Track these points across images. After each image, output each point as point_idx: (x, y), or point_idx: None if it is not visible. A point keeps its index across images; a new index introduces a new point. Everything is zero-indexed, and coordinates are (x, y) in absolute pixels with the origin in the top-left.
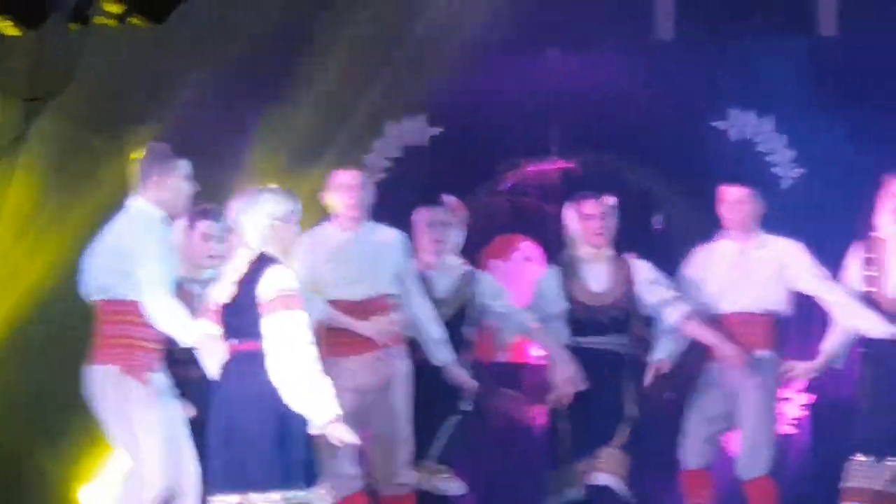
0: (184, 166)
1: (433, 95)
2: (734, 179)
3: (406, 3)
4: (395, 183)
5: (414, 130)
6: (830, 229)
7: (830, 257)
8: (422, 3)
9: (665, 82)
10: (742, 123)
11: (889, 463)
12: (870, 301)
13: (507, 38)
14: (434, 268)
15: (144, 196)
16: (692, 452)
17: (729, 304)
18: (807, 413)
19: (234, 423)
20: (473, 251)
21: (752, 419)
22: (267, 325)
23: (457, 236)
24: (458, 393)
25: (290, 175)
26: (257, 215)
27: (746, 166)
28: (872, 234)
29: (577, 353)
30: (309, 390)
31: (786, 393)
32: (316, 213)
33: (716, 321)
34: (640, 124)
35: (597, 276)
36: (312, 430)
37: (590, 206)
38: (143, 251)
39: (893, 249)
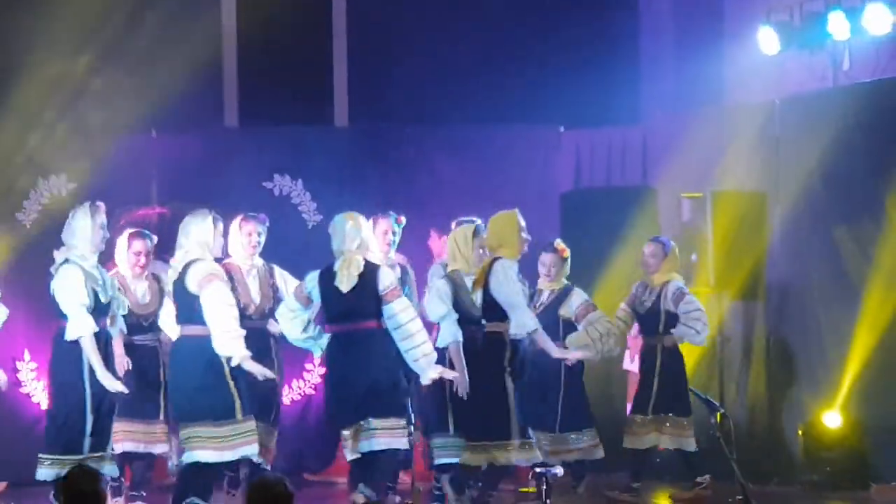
0: None
1: (75, 161)
2: (276, 224)
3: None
4: (44, 223)
5: (58, 185)
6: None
7: None
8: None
9: (231, 155)
10: (282, 184)
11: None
12: None
13: (125, 123)
14: None
15: None
16: None
17: None
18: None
19: None
20: None
21: None
22: None
23: None
24: None
25: None
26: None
27: (286, 213)
28: None
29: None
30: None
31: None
32: None
33: None
34: (216, 183)
35: (142, 291)
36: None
37: (137, 244)
38: None
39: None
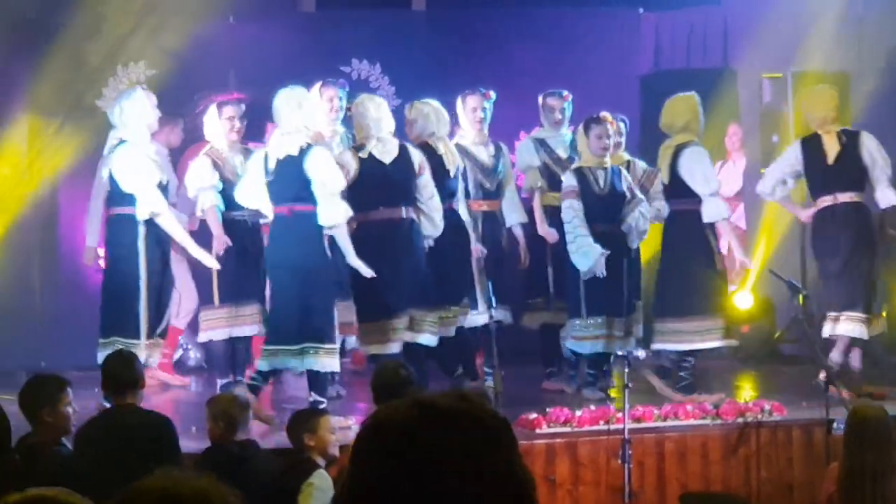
0: None
1: (153, 48)
2: None
3: None
4: None
5: (137, 72)
6: None
7: None
8: None
9: (308, 40)
10: (360, 68)
11: None
12: None
13: (203, 9)
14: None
15: None
16: None
17: None
18: None
19: None
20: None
21: None
22: None
23: None
24: None
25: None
26: None
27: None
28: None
29: None
30: None
31: None
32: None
33: None
34: (294, 68)
35: (239, 162)
36: None
37: (228, 109)
38: None
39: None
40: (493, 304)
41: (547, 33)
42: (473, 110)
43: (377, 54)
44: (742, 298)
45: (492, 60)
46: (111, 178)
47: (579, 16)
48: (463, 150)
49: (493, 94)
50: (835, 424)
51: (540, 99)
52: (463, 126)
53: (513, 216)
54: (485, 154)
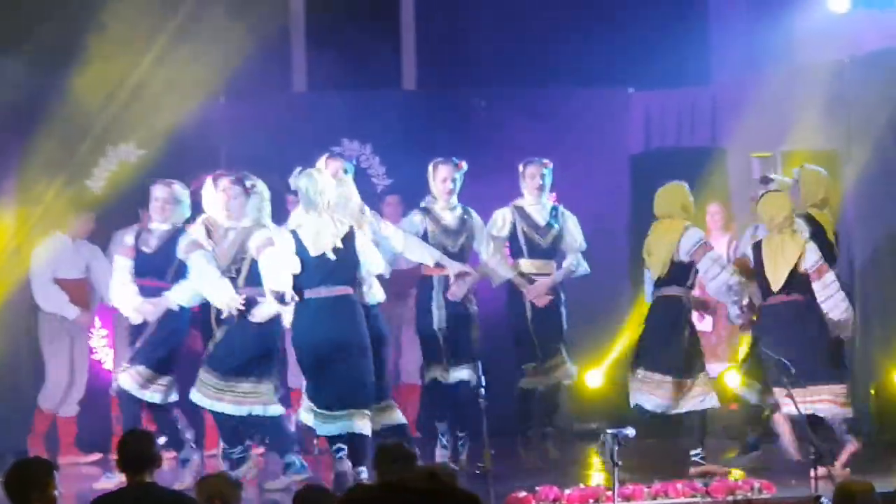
0: None
1: (143, 129)
2: None
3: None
4: (113, 191)
5: (127, 152)
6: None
7: None
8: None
9: (299, 120)
10: (351, 149)
11: None
12: None
13: (193, 89)
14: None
15: None
16: None
17: None
18: None
19: None
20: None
21: None
22: None
23: None
24: None
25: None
26: None
27: (355, 178)
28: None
29: None
30: None
31: None
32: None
33: None
34: (284, 148)
35: None
36: None
37: (224, 181)
38: None
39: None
40: (483, 383)
41: (538, 113)
42: (444, 180)
43: (368, 134)
44: (731, 377)
45: (482, 140)
46: (357, 259)
47: (569, 95)
48: (427, 212)
49: (464, 165)
50: (822, 500)
51: (520, 167)
52: (433, 193)
53: (504, 270)
54: (450, 216)
